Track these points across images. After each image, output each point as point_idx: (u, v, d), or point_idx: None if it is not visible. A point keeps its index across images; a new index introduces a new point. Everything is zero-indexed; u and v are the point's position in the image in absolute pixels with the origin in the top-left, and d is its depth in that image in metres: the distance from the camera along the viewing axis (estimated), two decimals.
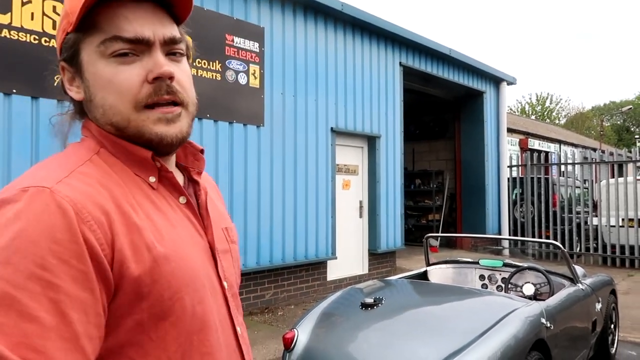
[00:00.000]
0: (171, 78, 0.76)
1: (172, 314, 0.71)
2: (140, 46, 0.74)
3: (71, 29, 0.75)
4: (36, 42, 4.30)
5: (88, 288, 0.62)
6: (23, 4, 4.24)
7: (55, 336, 0.58)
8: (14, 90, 4.16)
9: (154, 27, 0.75)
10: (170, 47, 0.78)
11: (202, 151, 0.90)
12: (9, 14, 4.16)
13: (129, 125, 0.75)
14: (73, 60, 0.76)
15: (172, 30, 0.78)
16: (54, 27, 4.42)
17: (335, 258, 7.04)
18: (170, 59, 0.78)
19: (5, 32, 4.13)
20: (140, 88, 0.74)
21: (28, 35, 4.26)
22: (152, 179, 0.77)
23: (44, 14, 4.36)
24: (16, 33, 4.19)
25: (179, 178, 0.84)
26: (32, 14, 4.30)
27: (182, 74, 0.79)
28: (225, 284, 0.83)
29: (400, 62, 8.44)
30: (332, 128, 7.04)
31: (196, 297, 0.74)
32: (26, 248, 0.59)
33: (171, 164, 0.84)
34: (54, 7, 4.42)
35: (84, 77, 0.76)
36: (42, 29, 4.35)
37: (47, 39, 4.37)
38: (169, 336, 0.70)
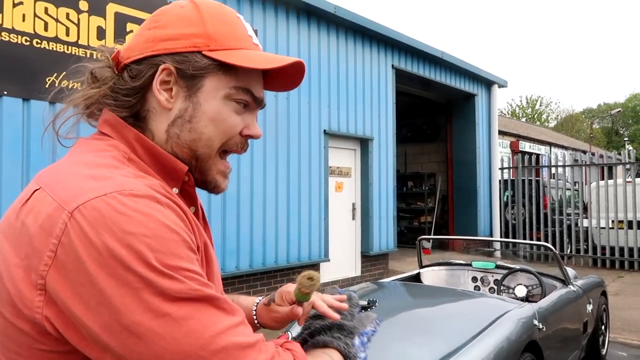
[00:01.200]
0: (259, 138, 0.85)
1: None
2: (254, 104, 0.83)
3: (207, 52, 0.77)
4: (27, 43, 4.27)
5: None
6: (14, 5, 4.21)
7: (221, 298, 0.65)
8: (5, 92, 4.13)
9: (262, 90, 0.85)
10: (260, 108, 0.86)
11: None
12: (0, 15, 4.12)
13: (207, 161, 0.80)
14: (190, 77, 0.77)
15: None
16: (45, 29, 4.39)
17: (328, 260, 7.04)
18: None
19: None
20: (235, 136, 0.81)
21: (19, 36, 4.23)
22: (175, 190, 0.78)
23: (35, 15, 4.33)
24: (7, 34, 4.16)
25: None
26: (24, 15, 4.27)
27: None
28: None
29: (392, 65, 8.48)
30: (325, 130, 7.05)
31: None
32: (175, 238, 0.62)
33: None
34: (46, 9, 4.39)
35: (194, 98, 0.78)
36: (34, 30, 4.32)
37: (39, 41, 4.34)
38: None
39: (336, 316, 0.92)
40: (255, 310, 1.05)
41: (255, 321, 1.04)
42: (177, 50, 0.76)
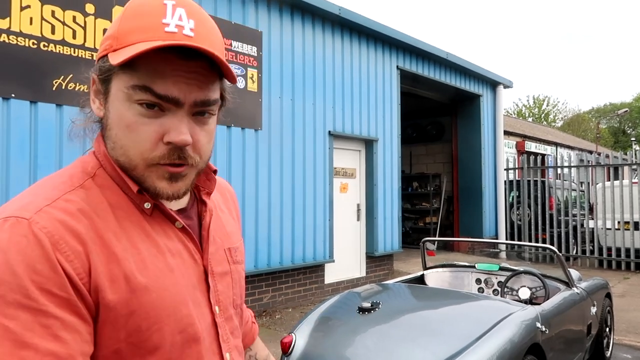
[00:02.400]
0: (186, 145, 0.74)
1: (151, 343, 0.71)
2: (168, 104, 0.72)
3: (111, 53, 0.73)
4: (35, 46, 4.32)
5: (74, 312, 0.65)
6: (22, 8, 4.26)
7: (51, 358, 0.61)
8: (13, 95, 4.18)
9: (189, 87, 0.72)
10: (200, 109, 0.75)
11: (215, 171, 0.89)
12: (8, 18, 4.17)
13: (134, 170, 0.75)
14: (104, 82, 0.75)
15: (209, 93, 0.75)
16: (52, 32, 4.43)
17: (333, 261, 7.06)
18: (196, 119, 0.75)
19: (4, 37, 4.14)
20: (154, 147, 0.73)
21: (27, 39, 4.28)
22: (147, 205, 0.77)
23: (42, 18, 4.38)
24: (15, 37, 4.21)
25: (186, 197, 0.84)
26: (31, 18, 4.31)
27: (203, 136, 0.77)
28: (216, 308, 0.83)
29: (397, 66, 8.48)
30: (329, 131, 7.07)
31: (178, 327, 0.74)
32: (10, 280, 0.61)
33: None
34: (53, 12, 4.44)
35: (107, 103, 0.75)
36: (41, 33, 4.36)
37: (46, 44, 4.39)
38: None
39: None
40: None
41: None
42: (98, 57, 0.76)
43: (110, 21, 4.80)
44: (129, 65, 0.70)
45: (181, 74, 0.72)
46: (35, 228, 0.65)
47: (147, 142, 0.72)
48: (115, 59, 0.71)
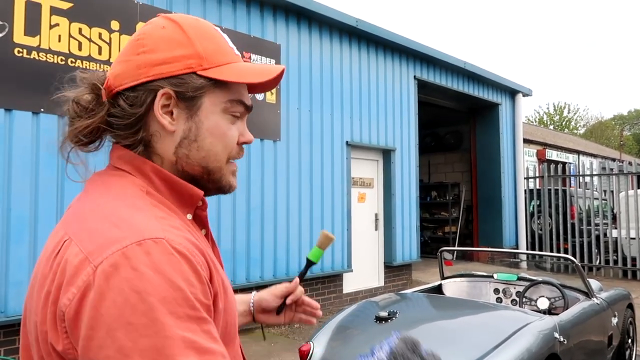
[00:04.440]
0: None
1: (228, 338, 0.79)
2: (246, 112, 0.88)
3: (201, 72, 0.79)
4: (63, 62, 4.50)
5: (211, 317, 0.71)
6: (51, 26, 4.44)
7: (222, 358, 0.67)
8: (42, 109, 4.35)
9: (249, 97, 0.89)
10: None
11: None
12: (38, 36, 4.36)
13: (219, 172, 0.85)
14: (189, 98, 0.79)
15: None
16: (79, 48, 4.61)
17: (351, 271, 7.09)
18: None
19: (34, 54, 4.33)
20: (235, 147, 0.87)
21: (55, 56, 4.46)
22: (189, 216, 0.83)
23: (70, 35, 4.56)
24: (44, 55, 4.39)
25: None
26: (59, 36, 4.50)
27: None
28: None
29: (414, 76, 8.52)
30: (347, 142, 7.13)
31: (235, 321, 0.85)
32: (176, 295, 0.64)
33: None
34: (80, 29, 4.62)
35: (195, 117, 0.81)
36: (69, 50, 4.54)
37: (73, 60, 4.57)
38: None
39: (317, 307, 1.25)
40: (252, 304, 1.22)
41: (252, 311, 1.22)
42: (173, 74, 0.78)
43: None
44: (224, 84, 0.82)
45: (245, 87, 0.88)
46: (174, 244, 0.68)
47: (234, 142, 0.86)
48: (225, 76, 0.80)
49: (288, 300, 1.21)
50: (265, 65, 0.87)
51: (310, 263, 1.21)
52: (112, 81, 0.80)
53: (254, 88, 0.91)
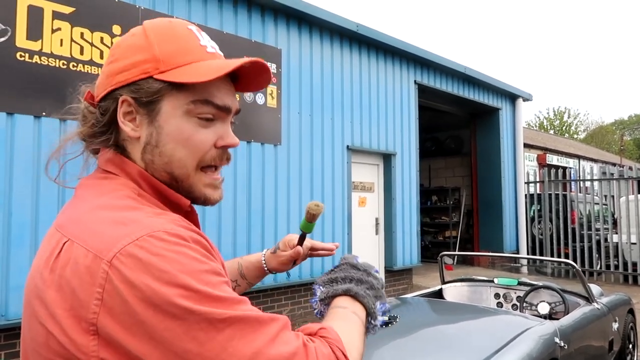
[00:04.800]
0: (236, 146, 0.85)
1: None
2: (221, 113, 0.82)
3: (157, 75, 0.78)
4: (64, 67, 4.51)
5: None
6: (53, 31, 4.46)
7: (251, 305, 0.69)
8: (44, 113, 4.36)
9: (232, 97, 0.84)
10: (234, 116, 0.86)
11: None
12: (40, 40, 4.38)
13: (187, 180, 0.81)
14: (147, 103, 0.79)
15: (238, 103, 0.87)
16: (81, 53, 4.63)
17: None
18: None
19: (36, 58, 4.34)
20: (209, 151, 0.82)
21: (57, 60, 4.48)
22: None
23: (72, 40, 4.58)
24: (46, 59, 4.41)
25: None
26: (61, 40, 4.52)
27: None
28: None
29: (415, 81, 8.54)
30: (347, 146, 7.15)
31: None
32: (205, 268, 0.66)
33: None
34: (82, 34, 4.64)
35: (155, 123, 0.79)
36: (70, 54, 4.56)
37: (75, 64, 4.58)
38: None
39: (332, 246, 1.26)
40: (264, 259, 1.25)
41: (265, 268, 1.25)
42: (131, 80, 0.78)
43: None
44: (185, 85, 0.78)
45: (227, 86, 0.83)
46: (183, 234, 0.69)
47: (204, 148, 0.81)
48: (180, 78, 0.77)
49: (297, 262, 1.25)
50: (231, 60, 0.80)
51: (302, 235, 1.21)
52: (95, 91, 0.84)
53: (244, 86, 0.89)
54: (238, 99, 0.91)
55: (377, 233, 7.90)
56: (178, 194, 0.82)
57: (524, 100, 11.56)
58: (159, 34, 0.81)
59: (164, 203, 0.80)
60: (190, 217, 0.85)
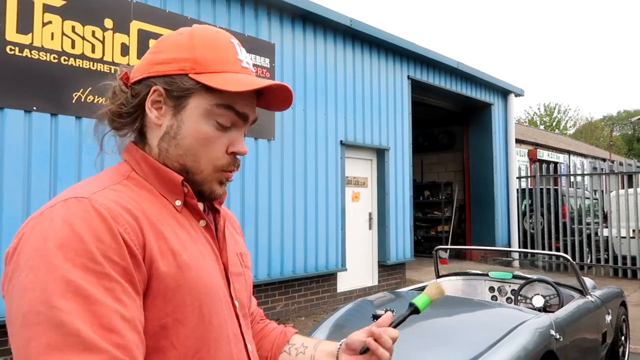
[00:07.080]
0: (244, 155, 0.90)
1: (192, 319, 0.78)
2: (239, 120, 0.88)
3: (192, 75, 0.84)
4: (55, 61, 4.45)
5: (131, 282, 0.71)
6: (44, 24, 4.40)
7: (119, 317, 0.68)
8: (34, 108, 4.30)
9: (252, 109, 0.90)
10: (250, 126, 0.92)
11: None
12: (30, 34, 4.31)
13: (200, 174, 0.87)
14: (177, 97, 0.85)
15: (256, 114, 0.92)
16: (72, 46, 4.57)
17: (345, 270, 7.09)
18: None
19: (26, 52, 4.28)
20: (223, 156, 0.87)
21: (48, 54, 4.41)
22: (178, 202, 0.86)
23: (63, 33, 4.51)
24: (37, 52, 4.34)
25: (200, 205, 0.92)
26: (52, 34, 4.45)
27: None
28: (236, 303, 0.91)
29: (408, 76, 8.54)
30: (341, 141, 7.14)
31: (213, 307, 0.81)
32: (77, 246, 0.68)
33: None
34: (73, 27, 4.58)
35: (179, 116, 0.85)
36: (62, 48, 4.50)
37: (66, 58, 4.52)
38: (189, 342, 0.77)
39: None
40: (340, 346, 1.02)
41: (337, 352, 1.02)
42: (168, 73, 0.84)
43: (128, 36, 4.94)
44: (214, 89, 0.84)
45: (250, 99, 0.89)
46: (95, 205, 0.73)
47: (219, 152, 0.87)
48: (212, 82, 0.83)
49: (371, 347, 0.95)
50: (261, 79, 0.87)
51: (414, 310, 1.01)
52: (132, 74, 0.89)
53: (267, 104, 0.94)
54: None
55: (370, 228, 7.91)
56: (172, 171, 0.86)
57: (516, 96, 11.61)
58: (203, 39, 0.87)
59: (162, 185, 0.86)
60: (190, 204, 0.87)
